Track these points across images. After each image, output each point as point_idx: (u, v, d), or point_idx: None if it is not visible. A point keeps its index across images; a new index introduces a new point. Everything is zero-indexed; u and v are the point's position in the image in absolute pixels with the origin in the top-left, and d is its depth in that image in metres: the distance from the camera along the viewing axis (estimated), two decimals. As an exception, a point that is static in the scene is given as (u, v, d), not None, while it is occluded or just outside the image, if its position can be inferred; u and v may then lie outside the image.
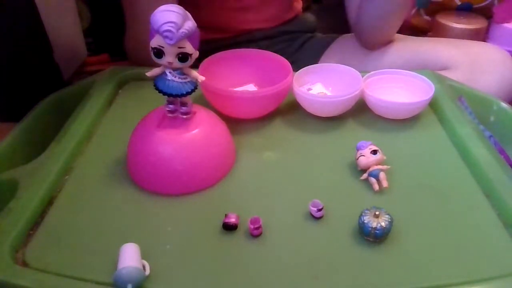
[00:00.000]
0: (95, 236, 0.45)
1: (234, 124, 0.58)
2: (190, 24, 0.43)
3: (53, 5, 0.87)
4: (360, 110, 0.62)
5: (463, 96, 0.66)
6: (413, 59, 0.81)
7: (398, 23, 0.80)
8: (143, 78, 0.53)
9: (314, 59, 0.88)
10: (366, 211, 0.44)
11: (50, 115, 0.64)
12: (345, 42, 0.88)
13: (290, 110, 0.63)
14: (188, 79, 0.47)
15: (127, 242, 0.41)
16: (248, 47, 0.69)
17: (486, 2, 1.21)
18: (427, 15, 1.26)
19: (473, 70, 0.76)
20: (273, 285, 0.40)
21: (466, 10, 1.23)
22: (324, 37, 0.93)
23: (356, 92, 0.59)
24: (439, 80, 0.67)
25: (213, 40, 0.85)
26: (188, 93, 0.47)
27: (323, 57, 0.88)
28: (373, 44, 0.82)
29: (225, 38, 0.86)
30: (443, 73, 0.73)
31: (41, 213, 0.47)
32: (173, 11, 0.43)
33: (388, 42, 0.83)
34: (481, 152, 0.53)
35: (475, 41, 0.84)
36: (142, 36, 0.72)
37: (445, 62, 0.79)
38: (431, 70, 0.70)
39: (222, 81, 0.62)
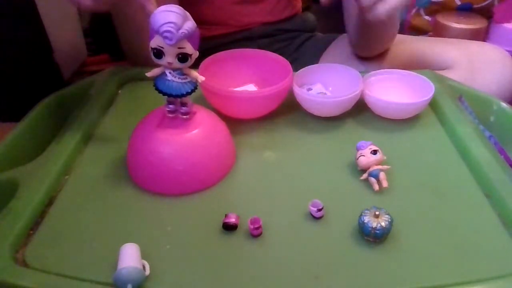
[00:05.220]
0: (95, 236, 0.45)
1: (234, 124, 0.58)
2: (190, 24, 0.43)
3: (53, 6, 0.87)
4: (360, 110, 0.62)
5: (463, 96, 0.66)
6: (413, 59, 0.81)
7: (391, 39, 0.81)
8: (143, 78, 0.53)
9: (314, 59, 0.88)
10: (366, 211, 0.44)
11: (50, 115, 0.64)
12: (345, 41, 0.88)
13: (290, 110, 0.63)
14: (188, 79, 0.47)
15: (127, 242, 0.41)
16: (248, 45, 0.69)
17: (486, 2, 1.21)
18: (427, 15, 1.26)
19: (473, 69, 0.76)
20: (273, 285, 0.40)
21: (466, 10, 1.24)
22: (324, 36, 0.93)
23: (356, 92, 0.59)
24: (439, 80, 0.67)
25: (213, 37, 0.85)
26: (188, 93, 0.47)
27: (323, 57, 0.88)
28: (368, 56, 0.83)
29: (224, 35, 0.86)
30: (443, 73, 0.73)
31: (41, 213, 0.47)
32: (173, 12, 0.42)
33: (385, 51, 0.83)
34: (481, 152, 0.53)
35: (474, 41, 0.84)
36: (134, 40, 0.72)
37: (445, 62, 0.79)
38: (431, 70, 0.70)
39: (222, 81, 0.62)
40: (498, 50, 0.79)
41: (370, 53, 0.82)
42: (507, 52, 0.80)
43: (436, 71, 0.72)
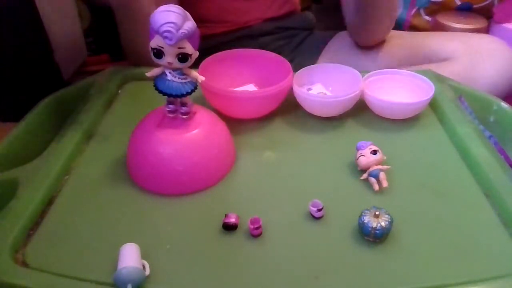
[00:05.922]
0: (95, 236, 0.45)
1: (234, 124, 0.58)
2: (190, 24, 0.43)
3: (53, 5, 0.87)
4: (360, 110, 0.62)
5: (463, 96, 0.66)
6: (413, 53, 0.81)
7: (390, 24, 0.81)
8: (143, 78, 0.53)
9: (313, 56, 0.88)
10: (366, 211, 0.44)
11: (50, 115, 0.64)
12: (343, 38, 0.88)
13: (290, 110, 0.63)
14: (188, 79, 0.47)
15: (127, 242, 0.41)
16: (248, 43, 0.69)
17: (486, 2, 1.21)
18: (427, 15, 1.26)
19: (473, 60, 0.76)
20: (273, 285, 0.40)
21: (466, 10, 1.23)
22: (323, 34, 0.93)
23: (356, 92, 0.59)
24: (439, 80, 0.67)
25: (214, 36, 0.85)
26: (188, 93, 0.47)
27: (322, 54, 0.88)
28: (367, 43, 0.83)
29: (225, 33, 0.86)
30: (443, 64, 0.73)
31: (41, 213, 0.47)
32: (173, 12, 0.43)
33: (383, 41, 0.83)
34: (481, 152, 0.53)
35: (474, 33, 0.84)
36: (136, 37, 0.72)
37: (445, 54, 0.79)
38: (431, 70, 0.70)
39: (222, 81, 0.62)
40: (498, 41, 0.79)
41: (371, 37, 0.81)
42: (506, 43, 0.80)
43: (436, 71, 0.71)
